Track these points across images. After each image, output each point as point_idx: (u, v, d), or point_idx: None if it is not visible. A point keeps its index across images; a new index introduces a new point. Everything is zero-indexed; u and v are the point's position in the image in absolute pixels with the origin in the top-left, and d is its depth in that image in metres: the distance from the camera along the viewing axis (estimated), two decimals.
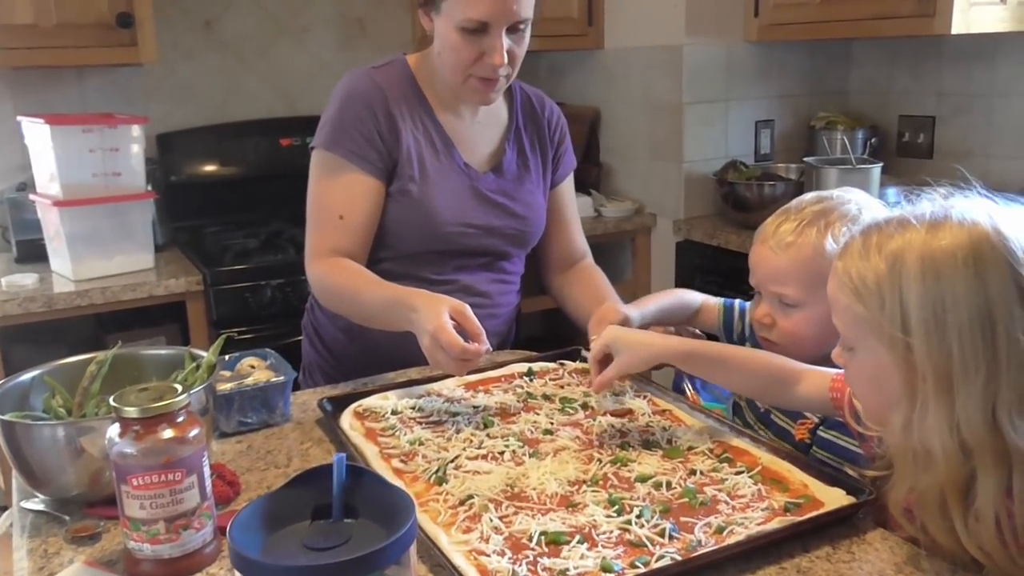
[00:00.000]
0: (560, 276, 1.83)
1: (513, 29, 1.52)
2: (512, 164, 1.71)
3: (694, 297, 1.56)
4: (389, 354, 1.64)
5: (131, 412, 0.96)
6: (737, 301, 1.53)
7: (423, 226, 1.61)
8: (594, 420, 1.33)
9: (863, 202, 1.29)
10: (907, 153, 3.04)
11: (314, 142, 1.62)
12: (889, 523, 1.06)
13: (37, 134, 2.38)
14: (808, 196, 1.32)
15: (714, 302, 1.55)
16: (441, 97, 1.66)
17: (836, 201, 1.29)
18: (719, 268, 2.82)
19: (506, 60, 1.52)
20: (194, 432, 1.00)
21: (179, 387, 1.01)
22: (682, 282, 2.97)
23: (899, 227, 0.97)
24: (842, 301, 1.00)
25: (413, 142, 1.61)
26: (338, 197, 1.59)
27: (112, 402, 0.98)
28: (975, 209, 0.96)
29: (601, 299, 1.66)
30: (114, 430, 0.98)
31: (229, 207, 3.01)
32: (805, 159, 2.74)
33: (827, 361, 1.26)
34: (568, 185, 1.84)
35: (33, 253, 2.56)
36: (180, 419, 0.99)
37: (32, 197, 2.47)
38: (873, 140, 2.98)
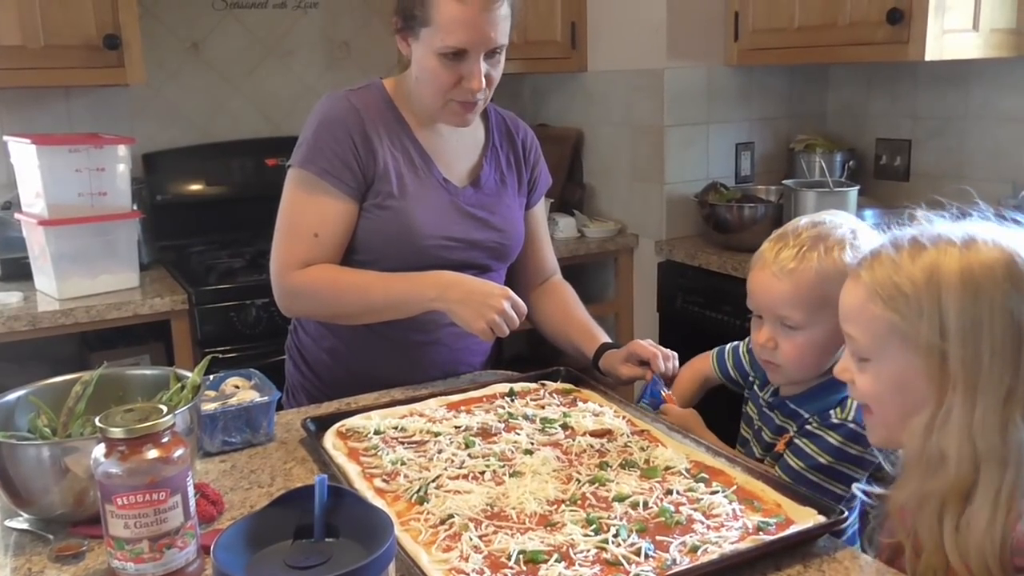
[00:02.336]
0: (532, 293, 1.86)
1: (490, 54, 1.57)
2: (490, 179, 1.74)
3: (704, 363, 1.62)
4: (373, 375, 1.67)
5: (117, 432, 0.98)
6: (727, 346, 1.59)
7: (403, 240, 1.63)
8: (573, 440, 1.36)
9: (854, 225, 1.34)
10: (884, 176, 3.09)
11: (290, 161, 1.64)
12: (878, 530, 1.09)
13: (23, 153, 2.39)
14: (802, 221, 1.36)
15: (708, 357, 1.62)
16: (418, 116, 1.69)
17: (830, 225, 1.33)
18: (700, 288, 2.86)
19: (484, 84, 1.56)
20: (179, 452, 1.01)
21: (164, 408, 1.03)
22: (664, 301, 3.01)
23: (931, 242, 1.04)
24: (871, 311, 1.05)
25: (391, 160, 1.64)
26: (312, 215, 1.61)
27: (98, 423, 0.99)
28: (996, 231, 1.04)
29: (571, 317, 1.80)
30: (99, 450, 1.00)
31: (214, 227, 3.02)
32: (784, 182, 2.79)
33: (827, 380, 1.32)
34: (541, 205, 1.89)
35: (18, 271, 2.56)
36: (165, 439, 1.01)
37: (17, 216, 2.48)
38: (851, 163, 3.03)
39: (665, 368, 1.57)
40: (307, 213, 1.62)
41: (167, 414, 1.01)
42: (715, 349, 1.62)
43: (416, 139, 1.68)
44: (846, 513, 1.10)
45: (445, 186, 1.68)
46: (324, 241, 1.61)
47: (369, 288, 1.61)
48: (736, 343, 1.58)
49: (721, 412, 1.58)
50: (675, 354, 1.61)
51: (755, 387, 1.50)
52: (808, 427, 1.34)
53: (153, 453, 0.99)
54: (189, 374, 1.29)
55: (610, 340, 1.73)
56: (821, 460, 1.30)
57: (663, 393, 1.55)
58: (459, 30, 1.51)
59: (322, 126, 1.62)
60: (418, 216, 1.64)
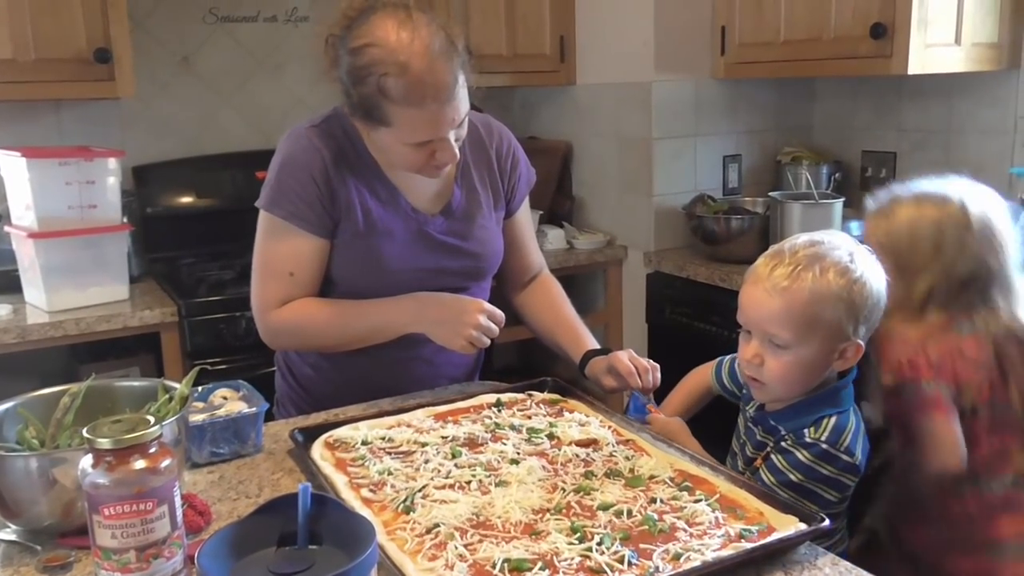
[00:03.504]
0: (520, 292, 1.87)
1: (458, 125, 1.53)
2: (461, 204, 1.70)
3: (704, 374, 1.63)
4: (358, 388, 1.68)
5: (104, 443, 0.98)
6: (727, 358, 1.59)
7: (373, 273, 1.63)
8: (559, 450, 1.37)
9: (852, 248, 1.34)
10: (870, 188, 3.08)
11: (259, 201, 1.63)
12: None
13: (13, 166, 2.40)
14: (800, 239, 1.35)
15: (707, 369, 1.63)
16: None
17: (828, 246, 1.32)
18: (688, 299, 2.88)
19: (456, 152, 1.55)
20: (166, 463, 1.02)
21: (152, 419, 1.04)
22: (652, 312, 3.02)
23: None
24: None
25: (356, 196, 1.61)
26: (285, 256, 1.62)
27: (85, 433, 1.00)
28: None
29: (558, 318, 1.81)
30: (87, 461, 1.00)
31: (204, 239, 3.03)
32: (771, 194, 2.81)
33: (808, 398, 1.34)
34: (524, 209, 1.85)
35: (7, 284, 2.56)
36: (152, 450, 1.02)
37: (7, 228, 2.49)
38: (837, 175, 3.06)
39: (643, 383, 1.57)
40: (280, 254, 1.62)
41: (154, 425, 1.02)
42: (716, 360, 1.62)
43: (382, 172, 1.65)
44: (827, 521, 1.12)
45: (415, 216, 1.66)
46: (300, 279, 1.62)
47: (346, 320, 1.63)
48: (731, 357, 1.58)
49: (713, 423, 1.59)
50: (656, 366, 1.60)
51: (744, 401, 1.51)
52: (783, 443, 1.34)
53: (140, 464, 1.00)
54: (177, 385, 1.30)
55: (596, 346, 1.72)
56: (792, 477, 1.30)
57: (647, 406, 1.56)
58: (423, 129, 1.48)
59: (284, 169, 1.60)
60: (385, 251, 1.63)
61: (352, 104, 1.52)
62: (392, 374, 1.70)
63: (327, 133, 1.63)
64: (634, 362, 1.59)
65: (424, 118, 1.47)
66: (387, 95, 1.45)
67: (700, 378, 1.64)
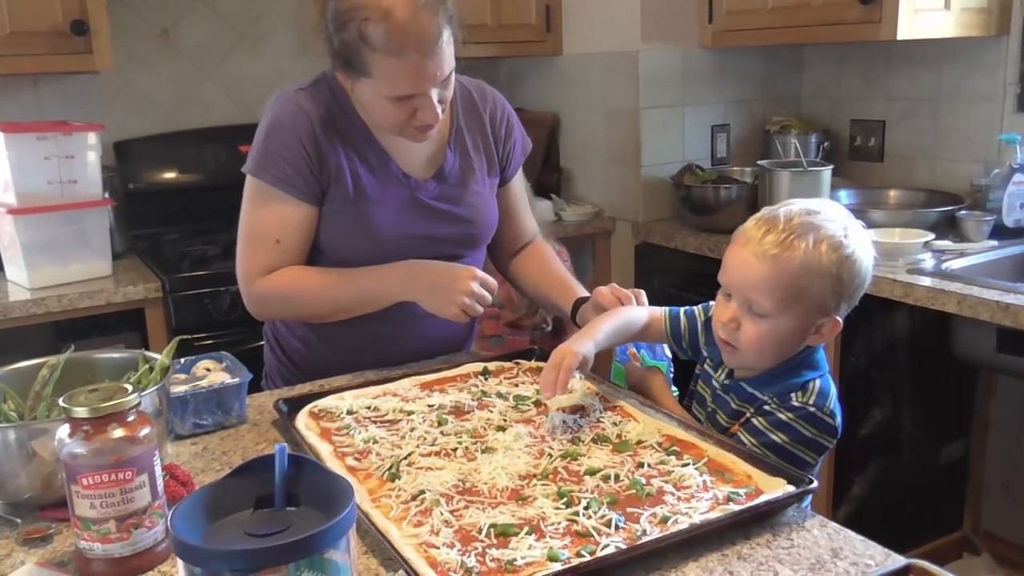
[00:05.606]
0: (512, 260, 1.85)
1: (442, 82, 1.50)
2: (454, 168, 1.68)
3: (639, 314, 1.52)
4: (346, 362, 1.66)
5: (81, 412, 0.97)
6: (682, 309, 1.51)
7: (364, 241, 1.60)
8: (546, 417, 1.36)
9: (847, 223, 1.29)
10: (859, 157, 3.11)
11: (245, 166, 1.60)
12: None
13: None
14: (795, 207, 1.30)
15: (659, 314, 1.52)
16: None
17: (824, 217, 1.27)
18: (677, 270, 2.87)
19: (439, 112, 1.52)
20: (144, 432, 1.01)
21: (129, 387, 1.02)
22: (641, 284, 3.00)
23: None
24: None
25: (346, 161, 1.59)
26: (272, 223, 1.59)
27: (62, 403, 0.99)
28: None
29: (549, 276, 1.77)
30: (64, 430, 0.99)
31: (187, 215, 2.99)
32: (759, 162, 2.80)
33: (786, 364, 1.32)
34: (518, 177, 1.83)
35: None
36: (130, 419, 1.00)
37: None
38: (826, 144, 3.05)
39: None
40: (267, 221, 1.59)
41: (132, 393, 1.00)
42: (664, 308, 1.52)
43: (372, 136, 1.61)
44: (815, 483, 1.11)
45: (406, 182, 1.63)
46: (287, 246, 1.59)
47: (335, 288, 1.59)
48: (690, 308, 1.50)
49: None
50: (640, 292, 1.55)
51: (707, 367, 1.45)
52: (765, 407, 1.31)
53: (118, 432, 0.99)
54: (158, 356, 1.28)
55: (586, 294, 1.67)
56: (775, 438, 1.28)
57: (628, 350, 1.54)
58: (404, 81, 1.45)
59: (271, 133, 1.57)
60: (376, 218, 1.60)
61: (334, 51, 1.49)
62: (383, 350, 1.67)
63: (315, 97, 1.60)
64: (615, 293, 1.54)
65: (405, 70, 1.44)
66: (367, 41, 1.42)
67: (631, 320, 1.50)
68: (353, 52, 1.45)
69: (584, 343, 1.38)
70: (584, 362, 1.36)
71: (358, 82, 1.50)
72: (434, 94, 1.49)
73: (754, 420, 1.32)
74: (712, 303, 1.44)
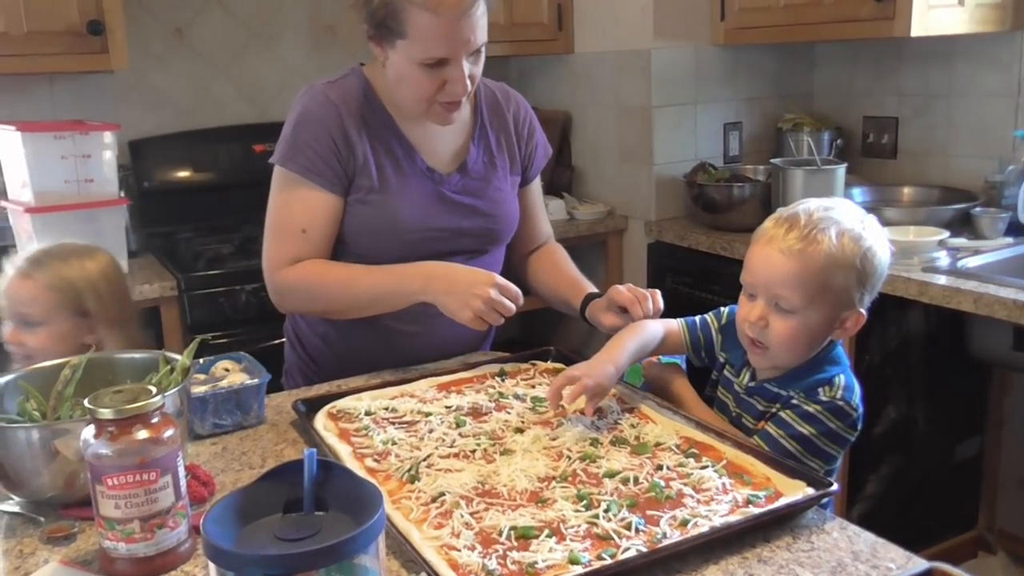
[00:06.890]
0: (526, 261, 1.86)
1: (472, 54, 1.53)
2: (478, 163, 1.70)
3: (656, 328, 1.51)
4: (366, 360, 1.67)
5: (106, 413, 0.98)
6: (697, 318, 1.52)
7: (388, 234, 1.62)
8: (564, 419, 1.36)
9: (863, 216, 1.32)
10: (872, 154, 3.10)
11: (273, 157, 1.63)
12: None
13: (8, 141, 2.38)
14: (812, 204, 1.32)
15: (675, 326, 1.53)
16: (400, 106, 1.65)
17: (842, 211, 1.31)
18: (690, 269, 2.87)
19: (469, 85, 1.53)
20: (168, 433, 1.01)
21: (153, 388, 1.03)
22: (654, 282, 3.01)
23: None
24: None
25: (371, 153, 1.61)
26: (298, 212, 1.60)
27: (87, 404, 0.99)
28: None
29: (560, 275, 1.78)
30: (89, 431, 1.00)
31: (202, 213, 3.00)
32: (772, 160, 2.79)
33: (809, 361, 1.32)
34: (536, 180, 1.85)
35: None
36: (154, 420, 1.01)
37: (3, 204, 2.47)
38: (838, 141, 3.04)
39: (645, 311, 1.52)
40: (293, 211, 1.61)
41: (156, 395, 1.01)
42: (679, 320, 1.53)
43: (398, 129, 1.64)
44: (835, 486, 1.11)
45: (429, 175, 1.65)
46: (312, 237, 1.60)
47: (355, 283, 1.60)
48: (701, 317, 1.51)
49: None
50: (656, 292, 1.55)
51: (727, 372, 1.45)
52: (792, 401, 1.32)
53: (143, 433, 0.99)
54: (178, 357, 1.29)
55: (596, 290, 1.68)
56: (803, 430, 1.28)
57: None
58: (438, 41, 1.48)
59: (300, 124, 1.60)
60: (400, 210, 1.62)
61: (370, 14, 1.51)
62: (401, 349, 1.68)
63: (344, 90, 1.63)
64: (632, 292, 1.54)
65: (440, 28, 1.46)
66: None
67: (650, 338, 1.50)
68: (391, 10, 1.47)
69: (605, 369, 1.37)
70: (599, 391, 1.35)
71: (392, 48, 1.52)
72: (465, 66, 1.51)
73: (781, 413, 1.32)
74: (723, 309, 1.49)
